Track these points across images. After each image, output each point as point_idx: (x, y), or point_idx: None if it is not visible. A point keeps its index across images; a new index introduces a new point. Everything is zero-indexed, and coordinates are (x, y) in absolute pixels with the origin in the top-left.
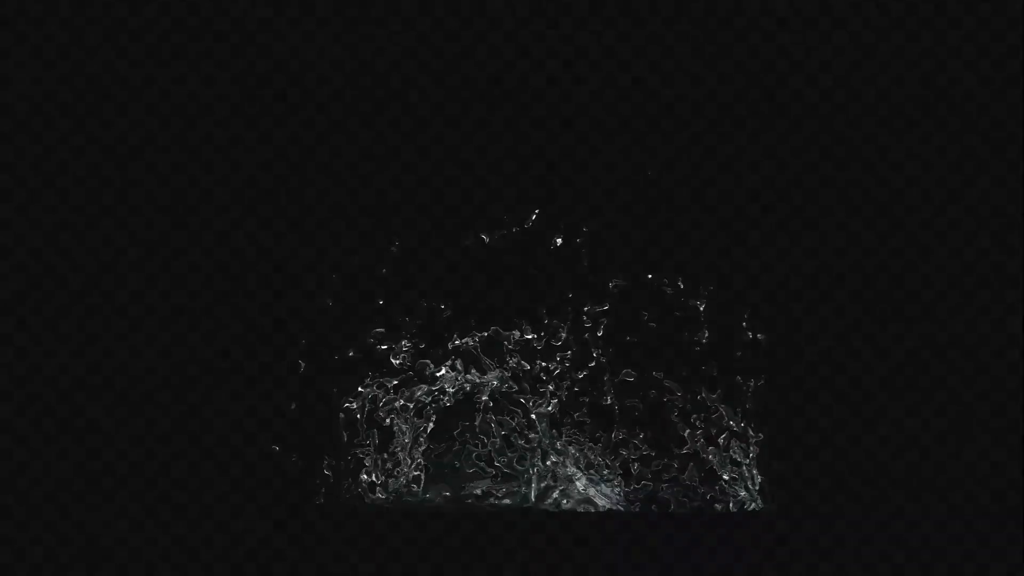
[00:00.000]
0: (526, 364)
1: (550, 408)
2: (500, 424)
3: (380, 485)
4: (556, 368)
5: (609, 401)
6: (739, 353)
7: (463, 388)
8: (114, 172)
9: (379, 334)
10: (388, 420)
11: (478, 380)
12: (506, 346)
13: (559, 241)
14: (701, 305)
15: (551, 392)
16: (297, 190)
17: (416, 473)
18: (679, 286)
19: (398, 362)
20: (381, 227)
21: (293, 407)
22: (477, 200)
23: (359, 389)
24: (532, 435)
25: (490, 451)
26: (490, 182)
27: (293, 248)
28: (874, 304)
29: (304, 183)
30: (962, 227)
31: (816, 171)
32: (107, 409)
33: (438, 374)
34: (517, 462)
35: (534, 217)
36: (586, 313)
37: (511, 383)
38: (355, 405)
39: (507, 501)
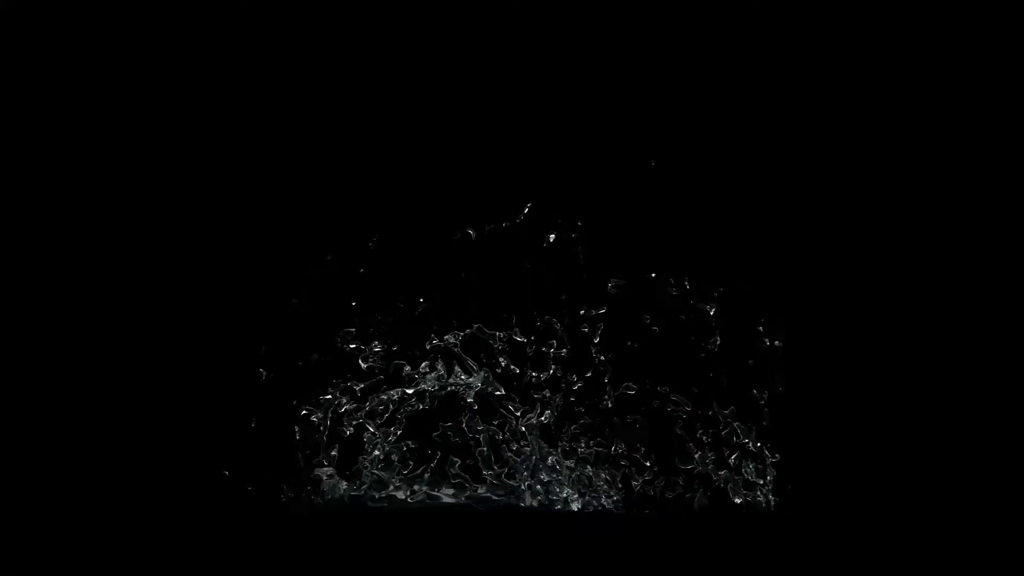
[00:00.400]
0: (515, 368)
1: (543, 419)
2: (488, 431)
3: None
4: (549, 374)
5: (609, 406)
6: (753, 362)
7: (445, 389)
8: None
9: (348, 335)
10: (352, 427)
11: (462, 381)
12: (493, 345)
13: (552, 237)
14: (711, 308)
15: (544, 399)
16: (264, 180)
17: (388, 478)
18: (686, 287)
19: (366, 365)
20: (359, 221)
21: (253, 424)
22: (464, 193)
23: (324, 397)
24: (524, 443)
25: (476, 461)
26: (479, 174)
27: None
28: (906, 307)
29: (272, 173)
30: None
31: (837, 160)
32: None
33: (416, 375)
34: (507, 476)
35: (526, 211)
36: (582, 316)
37: (497, 385)
38: (317, 416)
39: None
